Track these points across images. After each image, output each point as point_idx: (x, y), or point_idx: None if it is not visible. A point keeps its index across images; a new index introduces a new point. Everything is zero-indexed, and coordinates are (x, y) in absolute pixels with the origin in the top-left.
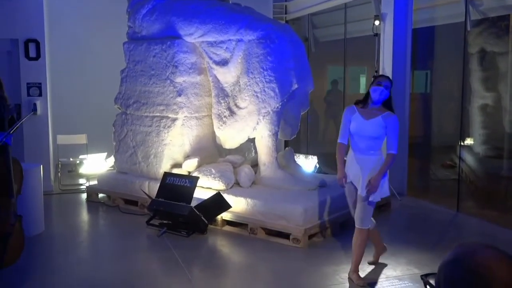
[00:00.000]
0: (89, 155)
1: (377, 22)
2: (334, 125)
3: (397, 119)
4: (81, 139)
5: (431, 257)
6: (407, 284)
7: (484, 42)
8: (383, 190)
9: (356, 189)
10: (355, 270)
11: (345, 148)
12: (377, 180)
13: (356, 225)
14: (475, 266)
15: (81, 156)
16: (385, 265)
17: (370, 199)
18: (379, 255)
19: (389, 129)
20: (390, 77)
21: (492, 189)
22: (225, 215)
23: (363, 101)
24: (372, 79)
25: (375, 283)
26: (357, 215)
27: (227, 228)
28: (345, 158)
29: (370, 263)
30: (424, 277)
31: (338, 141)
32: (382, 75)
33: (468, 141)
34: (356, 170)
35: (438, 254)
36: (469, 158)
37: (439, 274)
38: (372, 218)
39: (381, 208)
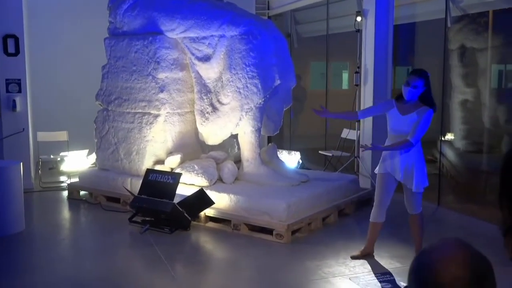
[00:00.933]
0: (70, 152)
1: (359, 18)
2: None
3: (431, 113)
4: (62, 136)
5: (412, 250)
6: (389, 278)
7: (464, 38)
8: (424, 180)
9: (395, 181)
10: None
11: (353, 115)
12: (378, 148)
13: (411, 212)
14: (426, 259)
15: (62, 153)
16: (367, 259)
17: (414, 190)
18: (366, 253)
19: (420, 118)
20: (372, 73)
21: (472, 184)
22: (208, 212)
23: (400, 96)
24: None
25: (357, 277)
26: (408, 202)
27: (210, 224)
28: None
29: (353, 258)
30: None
31: (359, 114)
32: (415, 71)
33: (449, 136)
34: (398, 162)
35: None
36: (449, 153)
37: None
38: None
39: (363, 203)
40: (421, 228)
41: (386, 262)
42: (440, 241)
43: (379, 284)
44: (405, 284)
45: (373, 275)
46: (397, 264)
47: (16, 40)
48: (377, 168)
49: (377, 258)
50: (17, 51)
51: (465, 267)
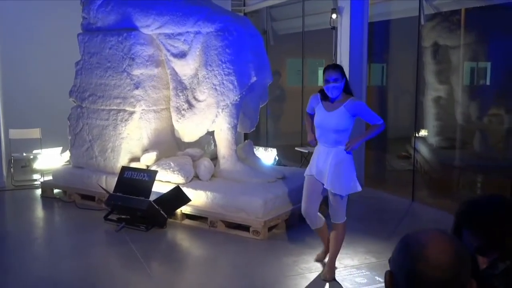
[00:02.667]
0: (43, 150)
1: (334, 16)
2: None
3: (362, 102)
4: (35, 133)
5: (388, 245)
6: (364, 273)
7: (437, 36)
8: (353, 185)
9: (322, 184)
10: (334, 266)
11: (312, 117)
12: (356, 142)
13: (333, 220)
14: (411, 241)
15: (35, 151)
16: (343, 255)
17: (338, 192)
18: (326, 254)
19: (361, 113)
20: (347, 70)
21: (445, 179)
22: (185, 209)
23: (323, 92)
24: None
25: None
26: (332, 210)
27: (187, 221)
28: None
29: (317, 260)
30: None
31: (307, 110)
32: (327, 66)
33: (423, 133)
34: (323, 164)
35: (394, 242)
36: (423, 149)
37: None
38: (320, 214)
39: None
40: (341, 240)
41: (362, 257)
42: (422, 229)
43: (355, 279)
44: (379, 279)
45: (349, 270)
46: (373, 259)
47: None
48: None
49: (353, 253)
50: None
51: (452, 245)
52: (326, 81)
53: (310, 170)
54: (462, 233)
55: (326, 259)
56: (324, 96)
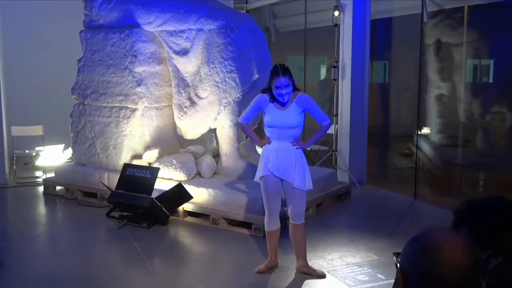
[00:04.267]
0: (45, 147)
1: (336, 13)
2: None
3: (307, 95)
4: (37, 130)
5: (389, 243)
6: (366, 270)
7: (440, 33)
8: (310, 182)
9: (280, 182)
10: (306, 262)
11: (243, 127)
12: (307, 143)
13: (297, 221)
14: (427, 242)
15: (37, 148)
16: (344, 253)
17: (306, 188)
18: (271, 266)
19: (309, 107)
20: (349, 67)
21: (447, 177)
22: (187, 206)
23: (270, 93)
24: (270, 74)
25: (335, 270)
26: (295, 209)
27: (189, 219)
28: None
29: (258, 272)
30: (396, 255)
31: (240, 121)
32: (276, 72)
33: (425, 130)
34: (282, 162)
35: (396, 240)
36: (425, 147)
37: (402, 251)
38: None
39: (341, 197)
40: (305, 237)
41: (363, 255)
42: (433, 227)
43: (356, 277)
44: (382, 276)
45: (351, 267)
46: (374, 257)
47: None
48: (256, 175)
49: (354, 251)
50: None
51: (467, 252)
52: (277, 88)
53: (265, 170)
54: (460, 230)
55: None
56: (273, 97)
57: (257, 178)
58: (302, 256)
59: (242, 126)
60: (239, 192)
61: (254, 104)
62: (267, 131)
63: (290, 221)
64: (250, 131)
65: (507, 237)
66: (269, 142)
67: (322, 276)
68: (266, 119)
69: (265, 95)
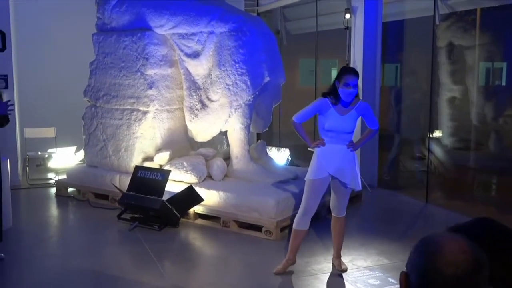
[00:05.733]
0: (58, 149)
1: (348, 16)
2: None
3: (367, 103)
4: (50, 132)
5: (401, 247)
6: (377, 274)
7: (452, 36)
8: (360, 182)
9: (326, 187)
10: (340, 254)
11: (295, 125)
12: (359, 145)
13: (340, 215)
14: (428, 241)
15: (49, 150)
16: (355, 256)
17: (357, 188)
18: (290, 264)
19: (365, 114)
20: (361, 70)
21: (459, 180)
22: (198, 208)
23: (334, 96)
24: (338, 72)
25: (345, 274)
26: (341, 205)
27: (200, 221)
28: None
29: (276, 273)
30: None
31: (295, 120)
32: (349, 70)
33: (437, 133)
34: (339, 163)
35: (407, 244)
36: (437, 150)
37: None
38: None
39: (352, 200)
40: (344, 229)
41: (375, 258)
42: (437, 233)
43: (367, 281)
44: (393, 280)
45: (362, 271)
46: (385, 261)
47: (3, 36)
48: (308, 174)
49: (365, 254)
50: (4, 47)
51: (467, 251)
52: (346, 85)
53: (322, 172)
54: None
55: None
56: (335, 100)
57: (310, 176)
58: (338, 248)
59: (295, 125)
60: (250, 195)
61: (314, 106)
62: (325, 134)
63: (333, 214)
64: (303, 130)
65: (496, 266)
66: (323, 144)
67: (343, 271)
68: (326, 122)
69: (327, 99)
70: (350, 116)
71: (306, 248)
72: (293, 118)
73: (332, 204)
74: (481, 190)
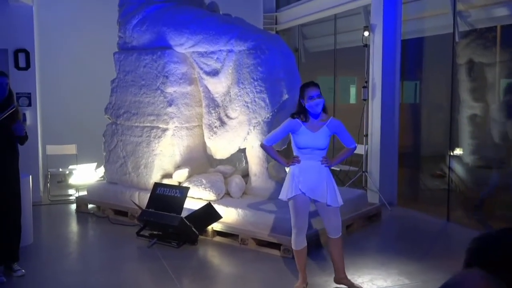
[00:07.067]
0: (78, 166)
1: (366, 33)
2: None
3: (339, 120)
4: (71, 149)
5: (421, 267)
6: None
7: (472, 53)
8: (340, 198)
9: (310, 200)
10: (345, 274)
11: (265, 148)
12: (335, 162)
13: (336, 235)
14: (450, 281)
15: (70, 167)
16: (375, 276)
17: (332, 204)
18: (305, 282)
19: (338, 132)
20: (379, 87)
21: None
22: (216, 226)
23: (303, 114)
24: (299, 91)
25: None
26: (335, 224)
27: (218, 238)
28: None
29: None
30: None
31: (265, 143)
32: (308, 84)
33: (458, 151)
34: (314, 181)
35: (428, 264)
36: (458, 168)
37: None
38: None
39: (371, 218)
40: (342, 250)
41: (395, 278)
42: (463, 273)
43: None
44: None
45: None
46: (406, 281)
47: (27, 55)
48: (284, 193)
49: (385, 274)
50: (27, 66)
51: (487, 280)
52: (311, 97)
53: (296, 189)
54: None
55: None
56: (305, 118)
57: (284, 196)
58: (341, 269)
59: (265, 148)
60: (268, 213)
61: (284, 127)
62: (298, 152)
63: (328, 236)
64: (274, 152)
65: None
66: (298, 161)
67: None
68: (298, 141)
69: (297, 119)
70: (322, 132)
71: (324, 267)
72: (263, 141)
73: (325, 226)
74: (504, 209)
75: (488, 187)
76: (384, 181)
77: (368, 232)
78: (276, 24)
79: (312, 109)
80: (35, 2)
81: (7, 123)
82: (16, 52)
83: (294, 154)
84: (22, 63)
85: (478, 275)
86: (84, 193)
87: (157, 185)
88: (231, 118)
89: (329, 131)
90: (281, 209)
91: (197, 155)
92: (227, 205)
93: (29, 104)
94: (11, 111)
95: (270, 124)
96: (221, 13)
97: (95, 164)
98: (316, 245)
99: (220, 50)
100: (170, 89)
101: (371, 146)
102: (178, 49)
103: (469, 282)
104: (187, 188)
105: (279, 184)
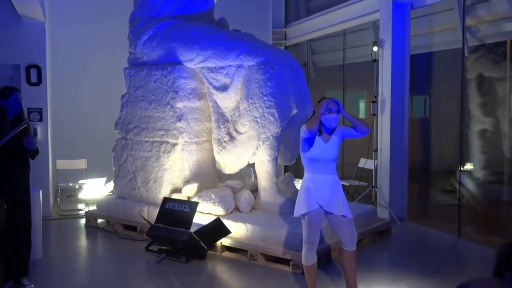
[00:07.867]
0: (88, 180)
1: (375, 48)
2: None
3: (341, 126)
4: (81, 164)
5: (432, 283)
6: None
7: (481, 67)
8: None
9: (322, 218)
10: None
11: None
12: (346, 113)
13: (352, 248)
14: (461, 286)
15: (80, 181)
16: None
17: (348, 215)
18: None
19: (344, 130)
20: (389, 102)
21: (493, 214)
22: (225, 241)
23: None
24: (319, 102)
25: None
26: (351, 237)
27: (227, 254)
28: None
29: None
30: None
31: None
32: (328, 98)
33: (468, 166)
34: (330, 194)
35: (439, 280)
36: (469, 183)
37: None
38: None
39: (381, 234)
40: (356, 263)
41: None
42: (474, 279)
43: None
44: None
45: None
46: None
47: (39, 70)
48: (299, 209)
49: None
50: (39, 81)
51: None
52: (330, 110)
53: (313, 204)
54: (504, 274)
55: None
56: (319, 131)
57: (300, 212)
58: (353, 284)
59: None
60: (277, 228)
61: (309, 134)
62: (312, 165)
63: (343, 248)
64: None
65: None
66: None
67: None
68: (313, 151)
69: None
70: (332, 142)
71: (334, 283)
72: (305, 127)
73: (341, 238)
74: None
75: None
76: (394, 196)
77: (378, 248)
78: (285, 39)
79: (328, 122)
80: (47, 19)
81: (19, 137)
82: (28, 68)
83: (306, 168)
84: (34, 79)
85: (495, 281)
86: (94, 207)
87: (166, 199)
88: (240, 133)
89: (338, 139)
90: (290, 224)
91: (206, 170)
92: (236, 220)
93: (40, 119)
94: (23, 126)
95: (279, 139)
96: (230, 29)
97: (104, 178)
98: (327, 260)
99: (229, 65)
100: (179, 104)
101: (380, 161)
102: (188, 65)
103: (476, 280)
104: (196, 203)
105: (288, 199)
